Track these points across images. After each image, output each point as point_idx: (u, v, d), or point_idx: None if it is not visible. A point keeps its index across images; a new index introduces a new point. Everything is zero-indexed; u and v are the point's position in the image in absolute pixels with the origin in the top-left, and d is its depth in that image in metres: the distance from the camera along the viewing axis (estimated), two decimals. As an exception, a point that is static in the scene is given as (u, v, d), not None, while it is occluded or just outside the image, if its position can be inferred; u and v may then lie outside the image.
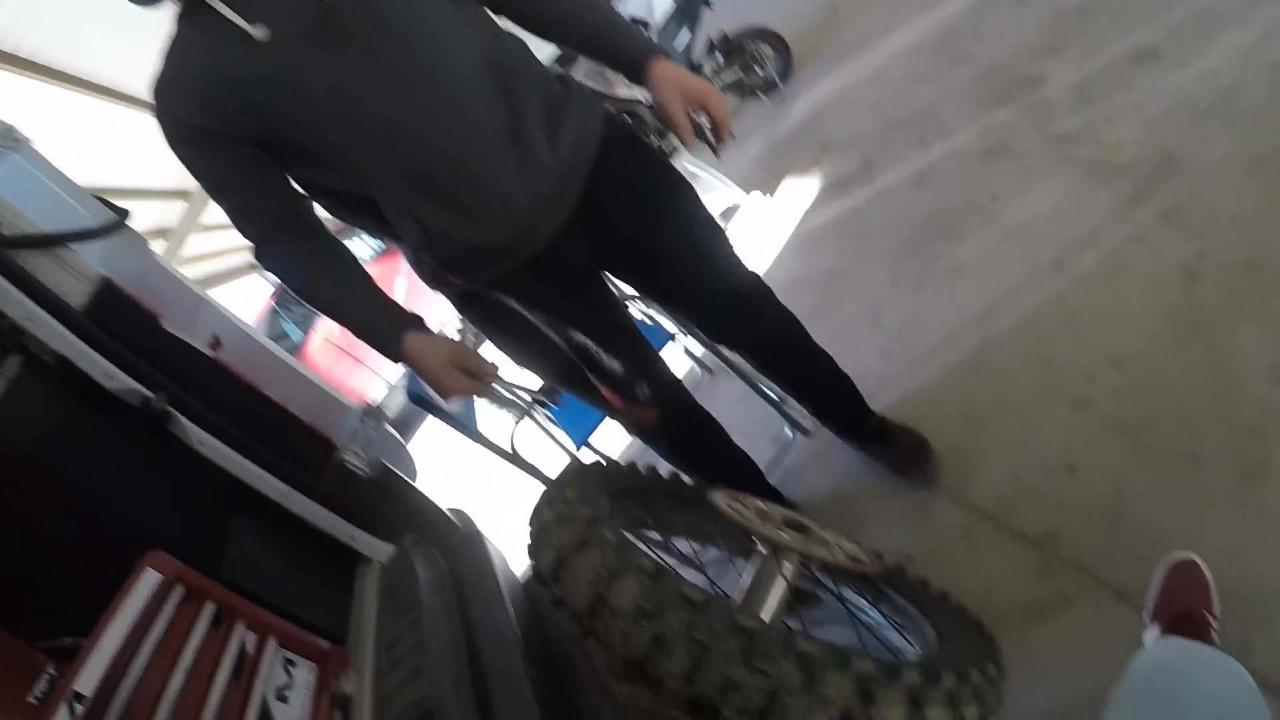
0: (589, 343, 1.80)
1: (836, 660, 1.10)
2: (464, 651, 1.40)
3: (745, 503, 1.64)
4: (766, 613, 1.51)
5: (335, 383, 2.39)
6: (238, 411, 1.83)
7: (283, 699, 1.43)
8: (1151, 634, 1.65)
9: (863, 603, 1.87)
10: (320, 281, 1.65)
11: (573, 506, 1.39)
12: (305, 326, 9.04)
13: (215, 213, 8.10)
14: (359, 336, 1.62)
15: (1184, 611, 1.60)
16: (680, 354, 3.58)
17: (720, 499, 1.56)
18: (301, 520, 1.86)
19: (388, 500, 2.14)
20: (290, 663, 1.51)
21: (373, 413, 2.17)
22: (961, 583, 1.96)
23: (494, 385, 1.73)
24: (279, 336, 8.95)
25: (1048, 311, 2.37)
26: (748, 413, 2.93)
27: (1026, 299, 2.45)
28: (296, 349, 8.75)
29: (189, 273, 8.99)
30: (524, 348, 1.99)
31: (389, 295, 1.64)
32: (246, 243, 1.63)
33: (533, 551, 1.42)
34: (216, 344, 2.01)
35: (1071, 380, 2.18)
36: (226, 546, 1.71)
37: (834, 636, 1.60)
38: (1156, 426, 1.97)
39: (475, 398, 2.67)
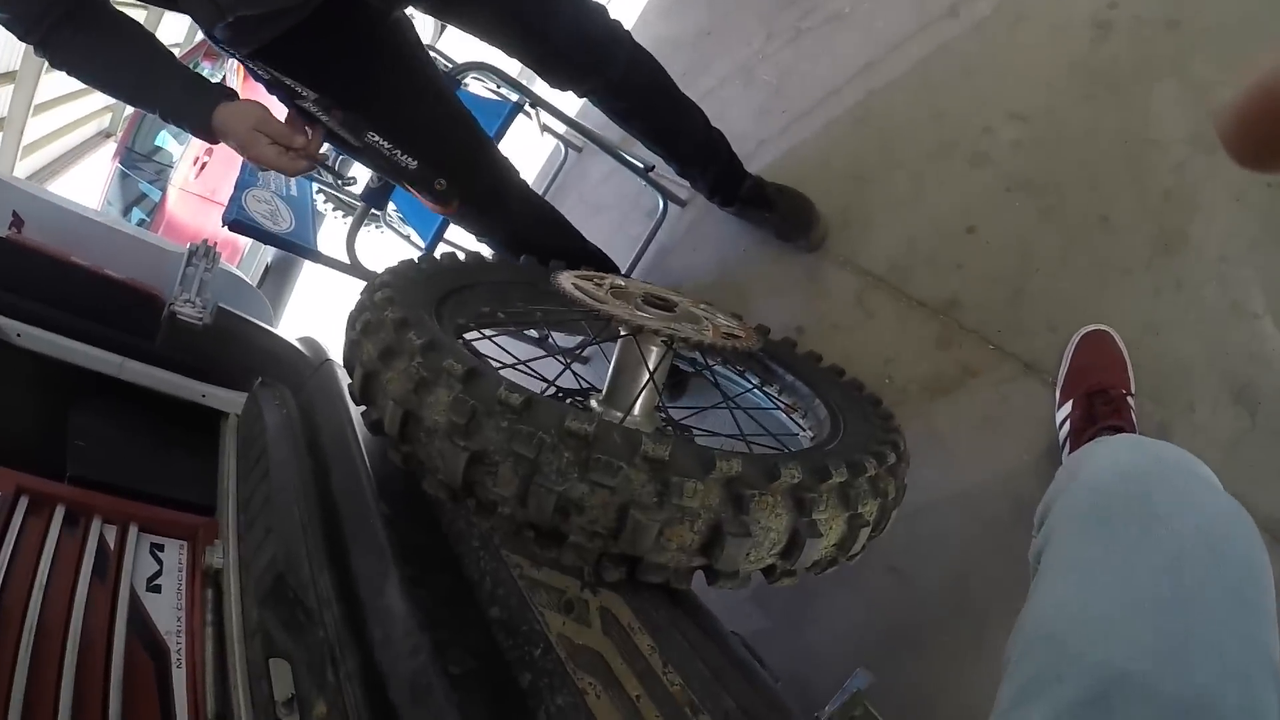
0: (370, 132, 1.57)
1: (695, 463, 0.90)
2: (314, 499, 1.29)
3: (599, 281, 1.40)
4: (635, 406, 1.30)
5: (201, 233, 2.10)
6: (51, 289, 1.76)
7: (154, 589, 1.38)
8: (1064, 411, 1.52)
9: (748, 385, 1.66)
10: (119, 69, 1.45)
11: (380, 311, 1.16)
12: (161, 183, 8.67)
13: (48, 89, 7.41)
14: (170, 120, 1.46)
15: (1099, 388, 1.47)
16: (537, 131, 3.23)
17: (566, 280, 1.31)
18: (147, 389, 1.81)
19: (231, 346, 2.02)
20: (158, 548, 1.47)
21: (202, 253, 2.03)
22: (857, 356, 1.80)
23: (304, 161, 1.48)
24: (138, 198, 8.68)
25: (940, 61, 2.13)
26: (619, 188, 2.66)
27: (917, 48, 2.20)
28: (157, 206, 8.50)
29: (34, 161, 8.32)
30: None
31: (194, 72, 1.47)
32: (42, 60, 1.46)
33: (346, 370, 1.21)
34: (18, 223, 1.90)
35: (968, 134, 1.98)
36: (68, 441, 1.63)
37: (719, 427, 1.41)
38: (1064, 187, 1.78)
39: (314, 213, 2.45)
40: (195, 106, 1.42)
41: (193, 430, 1.84)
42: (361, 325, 1.16)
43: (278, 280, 8.30)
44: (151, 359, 1.82)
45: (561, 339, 1.93)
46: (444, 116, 1.69)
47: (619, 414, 1.31)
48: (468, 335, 1.46)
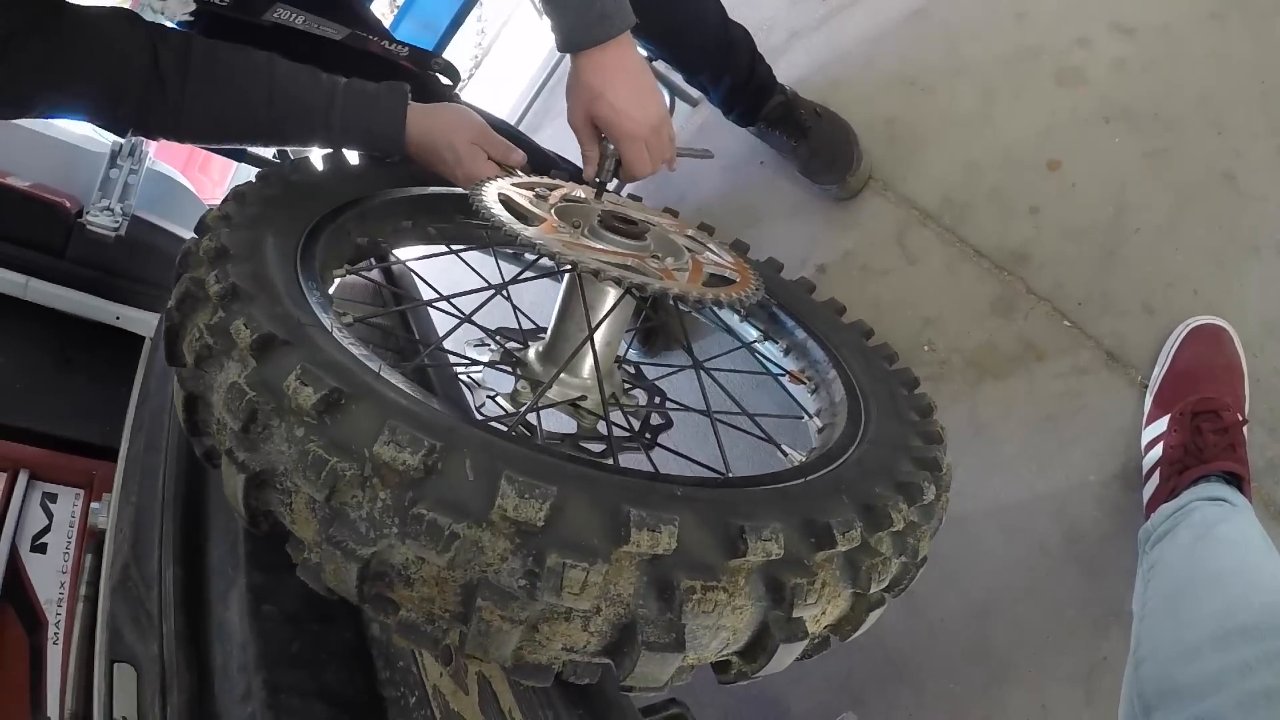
0: None
1: (597, 527, 0.57)
2: (185, 465, 1.05)
3: (544, 191, 1.05)
4: (574, 365, 0.99)
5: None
6: None
7: (40, 548, 1.25)
8: (1155, 428, 1.20)
9: (751, 334, 1.30)
10: (248, 111, 1.11)
11: (205, 236, 0.84)
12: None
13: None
14: (343, 146, 1.16)
15: (1208, 406, 1.15)
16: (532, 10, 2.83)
17: (492, 190, 0.94)
18: (54, 312, 1.66)
19: (147, 261, 1.80)
20: (50, 498, 1.33)
21: (126, 151, 1.77)
22: (890, 311, 1.48)
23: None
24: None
25: None
26: None
27: None
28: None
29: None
30: None
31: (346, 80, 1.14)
32: None
33: None
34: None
35: (1058, 43, 1.57)
36: None
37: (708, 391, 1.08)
38: (1179, 127, 1.40)
39: None
40: (376, 118, 1.11)
41: (107, 357, 1.68)
42: (182, 254, 0.85)
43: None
44: (53, 275, 1.65)
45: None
46: None
47: (553, 371, 0.96)
48: (384, 258, 1.18)
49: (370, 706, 0.82)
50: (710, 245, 1.11)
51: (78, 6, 1.01)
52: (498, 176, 1.06)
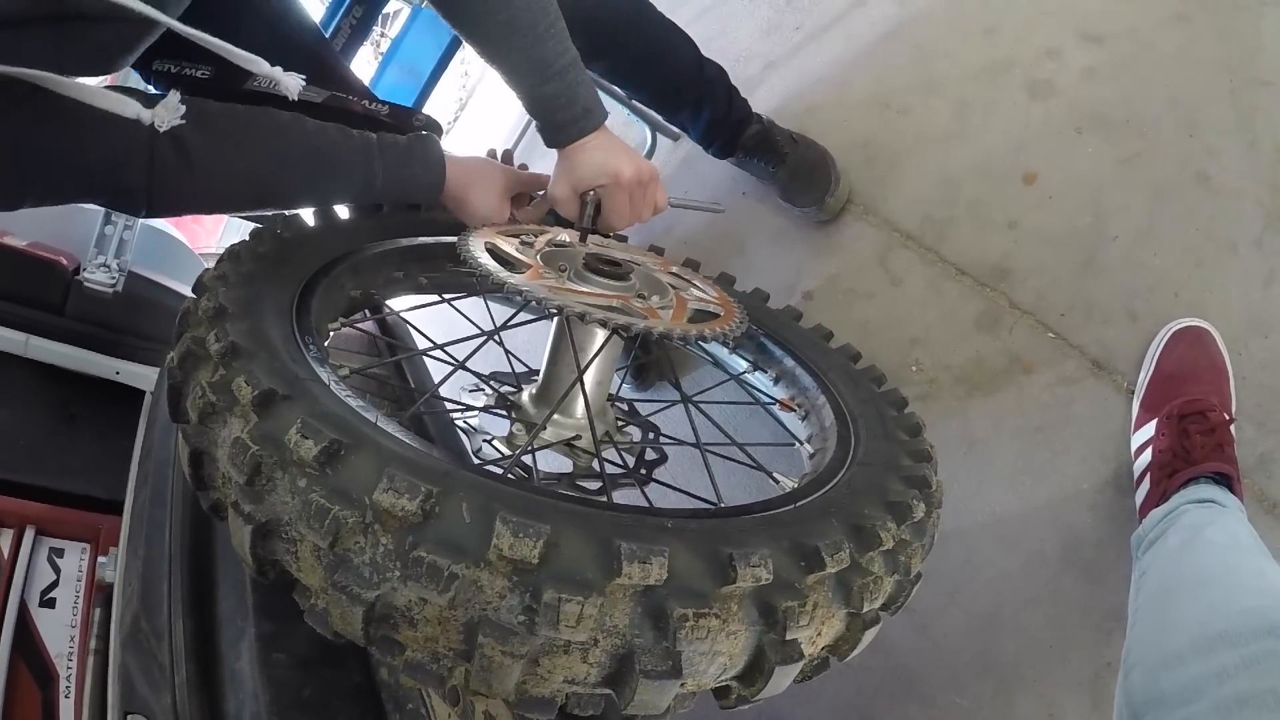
0: None
1: (590, 561, 0.58)
2: (190, 517, 1.05)
3: (529, 238, 1.08)
4: (565, 405, 0.99)
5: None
6: None
7: (48, 603, 1.23)
8: (1144, 433, 1.20)
9: (740, 365, 1.32)
10: (271, 172, 1.06)
11: (204, 292, 0.86)
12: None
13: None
14: (374, 201, 1.18)
15: (1195, 407, 1.15)
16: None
17: (478, 238, 0.97)
18: (56, 369, 1.66)
19: (143, 316, 1.80)
20: (57, 553, 1.33)
21: None
22: (877, 334, 1.47)
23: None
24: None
25: None
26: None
27: None
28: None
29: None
30: None
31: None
32: None
33: None
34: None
35: (1027, 56, 1.58)
36: None
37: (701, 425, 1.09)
38: (1151, 131, 1.41)
39: None
40: (415, 170, 1.11)
41: (107, 412, 1.68)
42: (182, 313, 0.87)
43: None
44: (51, 333, 1.65)
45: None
46: None
47: (546, 412, 0.97)
48: (377, 309, 1.19)
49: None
50: (695, 281, 1.13)
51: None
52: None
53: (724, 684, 0.66)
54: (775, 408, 1.22)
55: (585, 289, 0.93)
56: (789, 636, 0.63)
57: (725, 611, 0.59)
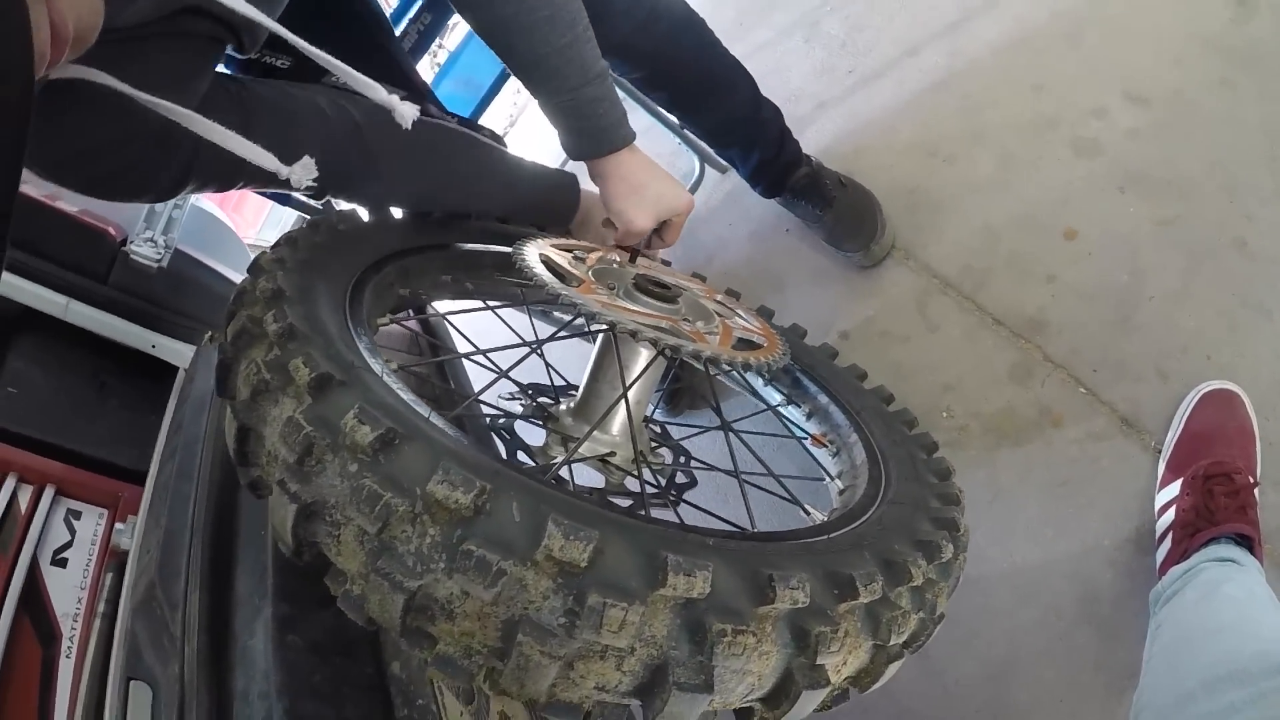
0: None
1: (635, 571, 0.59)
2: (217, 488, 1.08)
3: (581, 254, 1.09)
4: (605, 423, 1.02)
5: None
6: None
7: (60, 562, 1.27)
8: (1168, 492, 1.21)
9: (775, 397, 1.32)
10: (455, 187, 1.23)
11: (259, 276, 0.86)
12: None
13: None
14: (519, 215, 1.30)
15: (1220, 469, 1.16)
16: None
17: (534, 250, 0.98)
18: (92, 335, 1.71)
19: (186, 293, 1.86)
20: (75, 515, 1.37)
21: None
22: (910, 377, 1.49)
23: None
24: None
25: (1046, 22, 1.74)
26: (651, 145, 2.24)
27: (1017, 4, 1.80)
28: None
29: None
30: None
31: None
32: None
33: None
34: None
35: (1074, 114, 1.61)
36: None
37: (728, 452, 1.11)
38: (1192, 193, 1.43)
39: None
40: (558, 198, 1.29)
41: (138, 383, 1.73)
42: (235, 294, 0.88)
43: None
44: (94, 300, 1.69)
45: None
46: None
47: (585, 428, 0.99)
48: (422, 309, 1.22)
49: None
50: (738, 310, 1.14)
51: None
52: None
53: (748, 705, 0.67)
54: (807, 442, 1.23)
55: (635, 308, 0.94)
56: (818, 661, 0.63)
57: (760, 631, 0.60)
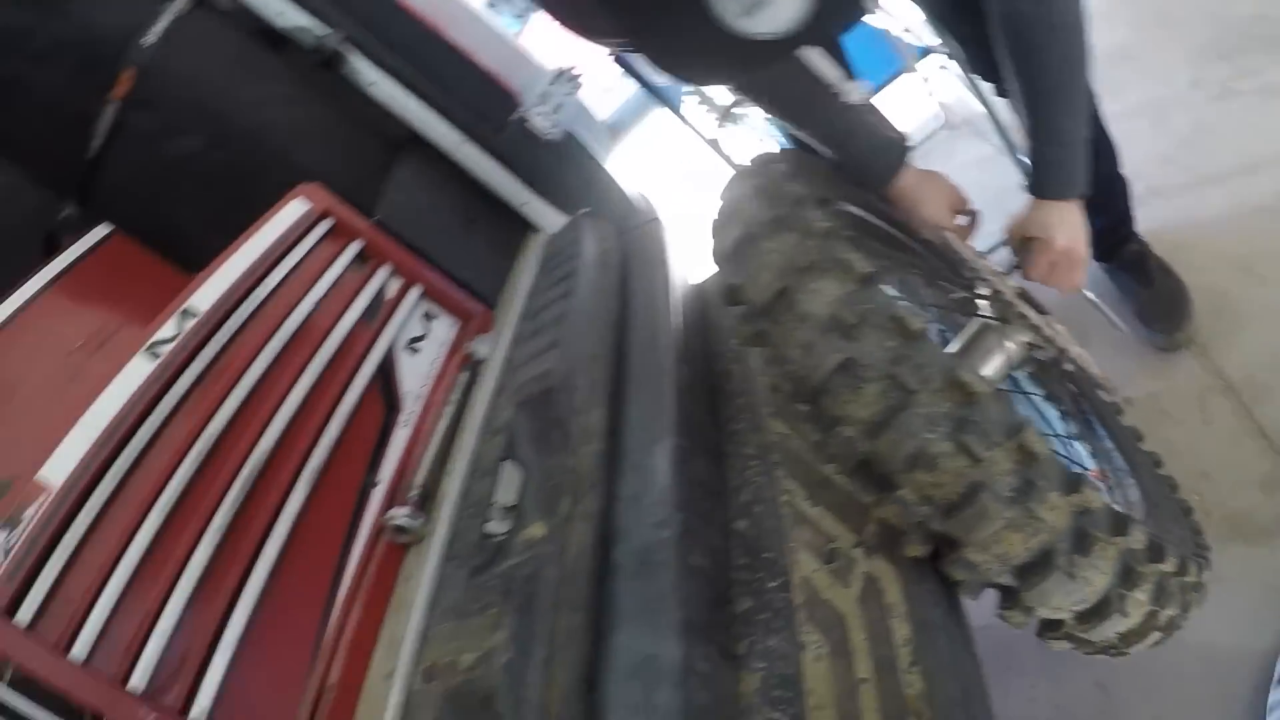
0: None
1: (1065, 478, 0.83)
2: (610, 334, 1.29)
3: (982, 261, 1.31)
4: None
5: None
6: (416, 54, 1.80)
7: (413, 349, 1.47)
8: None
9: (1054, 430, 1.54)
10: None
11: (777, 181, 1.09)
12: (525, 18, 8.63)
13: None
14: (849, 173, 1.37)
15: None
16: (921, 89, 3.06)
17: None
18: (473, 177, 1.86)
19: (568, 170, 2.04)
20: (430, 316, 1.56)
21: (566, 76, 2.02)
22: (1174, 456, 1.62)
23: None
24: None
25: None
26: (987, 179, 2.43)
27: None
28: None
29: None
30: None
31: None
32: None
33: (716, 228, 1.14)
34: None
35: None
36: (386, 189, 1.70)
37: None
38: None
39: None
40: (879, 170, 1.33)
41: (498, 228, 1.89)
42: (752, 187, 1.10)
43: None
44: (486, 146, 1.85)
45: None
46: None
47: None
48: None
49: (726, 577, 0.95)
50: (1073, 344, 1.33)
51: None
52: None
53: (1063, 615, 0.90)
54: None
55: (1027, 309, 1.18)
56: (1128, 594, 0.88)
57: (1109, 554, 0.85)
